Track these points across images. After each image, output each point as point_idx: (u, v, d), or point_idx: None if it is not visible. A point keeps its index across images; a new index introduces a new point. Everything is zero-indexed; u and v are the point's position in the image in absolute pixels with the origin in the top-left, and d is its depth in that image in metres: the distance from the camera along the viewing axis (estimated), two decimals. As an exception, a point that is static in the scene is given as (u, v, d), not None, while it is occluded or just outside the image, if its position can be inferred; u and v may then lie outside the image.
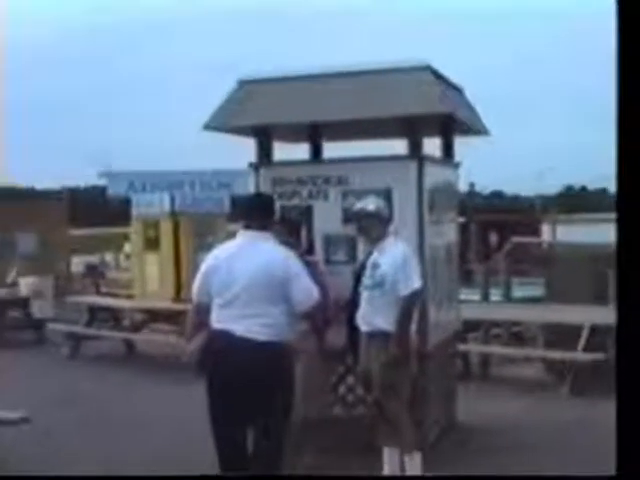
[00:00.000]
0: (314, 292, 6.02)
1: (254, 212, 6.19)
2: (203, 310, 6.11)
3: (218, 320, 5.96)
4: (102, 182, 21.57)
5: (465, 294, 13.39)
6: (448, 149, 9.09)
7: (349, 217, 7.75)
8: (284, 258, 6.03)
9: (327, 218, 8.18)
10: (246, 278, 5.88)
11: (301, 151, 9.36)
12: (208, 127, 8.34)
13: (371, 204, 7.19)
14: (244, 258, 5.97)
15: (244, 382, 5.80)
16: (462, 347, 11.19)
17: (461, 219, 16.77)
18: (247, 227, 6.14)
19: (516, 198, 75.59)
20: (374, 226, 7.15)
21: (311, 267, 6.85)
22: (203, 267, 6.18)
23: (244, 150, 8.86)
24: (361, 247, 7.79)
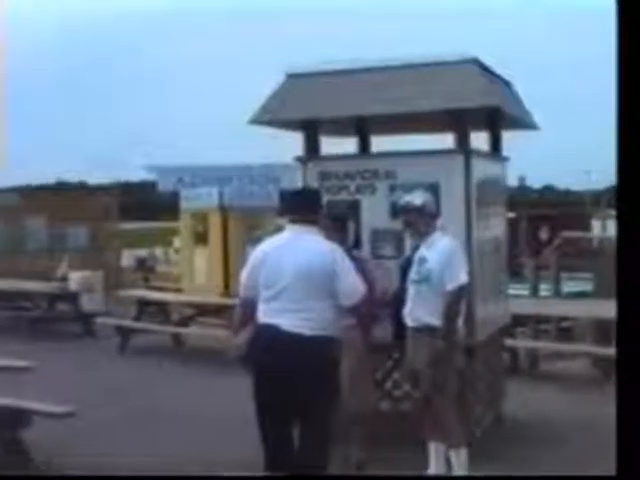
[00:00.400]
0: (360, 287, 6.00)
1: (300, 206, 6.18)
2: (250, 304, 6.11)
3: (264, 314, 5.96)
4: (152, 176, 21.74)
5: (514, 289, 13.32)
6: (496, 143, 9.04)
7: (396, 211, 7.72)
8: (330, 252, 6.00)
9: (374, 212, 8.17)
10: (292, 272, 5.87)
11: (348, 146, 9.36)
12: (255, 121, 8.36)
13: (418, 198, 7.16)
14: (290, 252, 5.96)
15: (290, 377, 5.78)
16: (510, 342, 11.13)
17: (511, 214, 16.66)
18: (293, 221, 6.14)
19: (567, 193, 74.98)
20: (421, 220, 7.11)
21: (357, 262, 6.83)
22: (250, 261, 6.18)
23: (293, 144, 8.87)
24: (408, 242, 7.76)
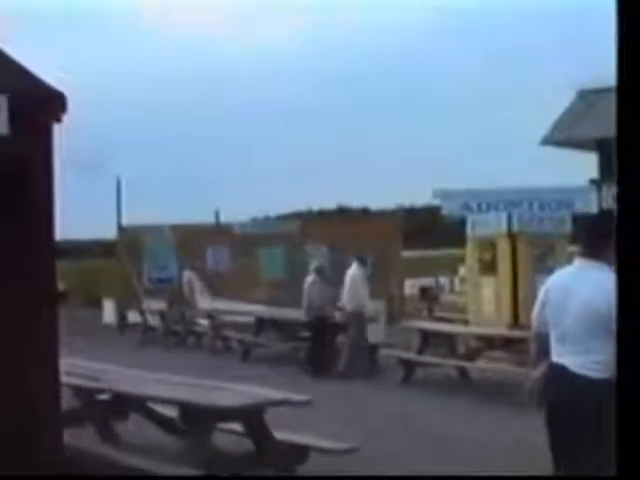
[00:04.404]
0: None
1: (589, 237, 6.08)
2: (542, 339, 6.15)
3: (554, 352, 6.00)
4: (437, 201, 21.90)
5: None
6: None
7: None
8: (611, 291, 5.81)
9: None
10: (575, 312, 5.85)
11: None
12: (547, 141, 8.28)
13: None
14: (574, 289, 5.93)
15: (580, 419, 5.76)
16: None
17: None
18: (582, 253, 6.06)
19: None
20: None
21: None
22: (540, 295, 6.23)
23: (583, 166, 8.71)
24: None
